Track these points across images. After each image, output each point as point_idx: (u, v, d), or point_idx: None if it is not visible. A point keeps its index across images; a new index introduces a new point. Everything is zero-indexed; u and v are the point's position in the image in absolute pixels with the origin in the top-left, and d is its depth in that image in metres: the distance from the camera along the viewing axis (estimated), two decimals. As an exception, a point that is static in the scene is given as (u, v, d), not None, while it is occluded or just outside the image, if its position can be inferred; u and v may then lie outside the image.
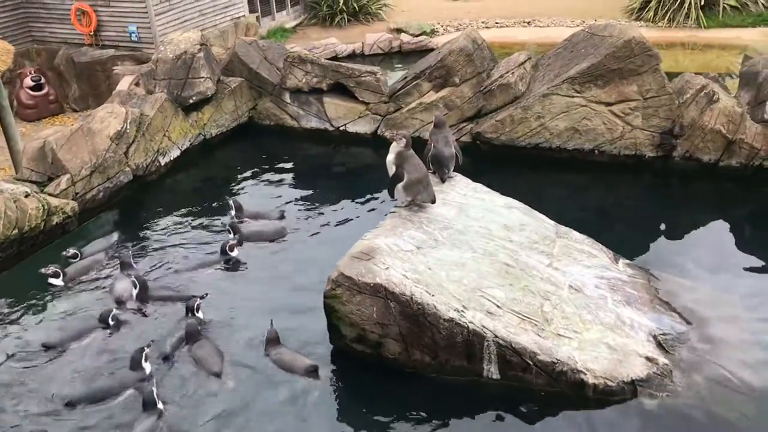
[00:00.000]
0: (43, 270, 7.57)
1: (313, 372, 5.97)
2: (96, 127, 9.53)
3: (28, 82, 13.43)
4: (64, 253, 7.93)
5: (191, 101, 11.08)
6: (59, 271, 7.55)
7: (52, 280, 7.54)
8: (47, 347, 6.52)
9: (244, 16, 18.24)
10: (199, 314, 6.71)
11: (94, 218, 9.22)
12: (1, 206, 7.84)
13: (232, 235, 8.13)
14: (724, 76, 10.37)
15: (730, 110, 9.15)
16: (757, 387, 5.55)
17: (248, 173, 10.42)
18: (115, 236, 8.56)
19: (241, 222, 8.62)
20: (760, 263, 7.39)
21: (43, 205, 8.35)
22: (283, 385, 5.92)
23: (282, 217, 8.78)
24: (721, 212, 8.55)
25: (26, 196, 8.27)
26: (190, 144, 11.04)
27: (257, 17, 18.67)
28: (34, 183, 8.93)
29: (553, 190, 9.37)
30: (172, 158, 10.63)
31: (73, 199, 8.90)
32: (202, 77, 11.12)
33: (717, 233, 8.12)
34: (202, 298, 6.83)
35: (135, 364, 6.02)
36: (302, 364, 6.03)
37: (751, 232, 8.41)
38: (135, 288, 7.12)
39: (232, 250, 7.86)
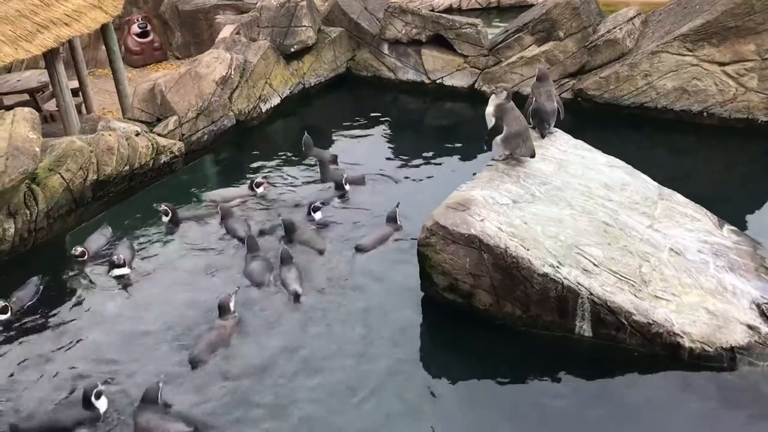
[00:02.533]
0: (156, 204, 8.00)
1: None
2: (203, 71, 9.86)
3: (134, 29, 13.90)
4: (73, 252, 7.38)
5: (292, 50, 11.27)
6: (168, 209, 7.93)
7: (163, 218, 7.95)
8: None
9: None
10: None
11: (199, 159, 9.61)
12: (114, 143, 8.28)
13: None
14: None
15: None
16: None
17: (345, 123, 10.57)
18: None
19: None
20: None
21: (152, 144, 8.77)
22: (372, 327, 6.07)
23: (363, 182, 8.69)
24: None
25: (137, 135, 8.69)
26: (290, 92, 11.26)
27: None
28: (143, 123, 9.36)
29: (657, 152, 9.06)
30: (272, 105, 10.89)
31: (179, 140, 9.29)
32: (304, 26, 11.26)
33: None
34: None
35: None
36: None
37: None
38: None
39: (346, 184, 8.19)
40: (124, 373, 5.71)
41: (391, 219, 7.54)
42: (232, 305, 6.20)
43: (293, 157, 9.44)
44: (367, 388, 5.41)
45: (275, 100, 10.94)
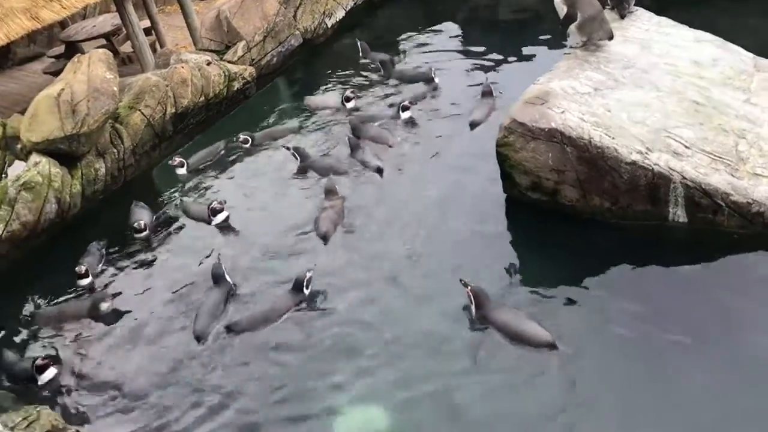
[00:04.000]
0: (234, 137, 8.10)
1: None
2: (264, -8, 9.73)
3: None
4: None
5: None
6: (248, 137, 8.00)
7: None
8: None
9: None
10: None
11: (271, 83, 9.62)
12: (187, 75, 8.38)
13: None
14: None
15: None
16: None
17: (414, 30, 10.25)
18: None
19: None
20: None
21: (224, 72, 8.82)
22: (457, 233, 6.03)
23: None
24: None
25: (208, 64, 8.76)
26: (355, 4, 10.98)
27: None
28: (213, 52, 9.40)
29: (751, 19, 8.31)
30: (337, 19, 10.68)
31: (249, 65, 9.30)
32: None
33: None
34: None
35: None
36: None
37: None
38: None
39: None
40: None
41: (487, 93, 7.70)
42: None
43: (363, 71, 9.31)
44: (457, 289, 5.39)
45: (340, 14, 10.71)
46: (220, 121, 8.86)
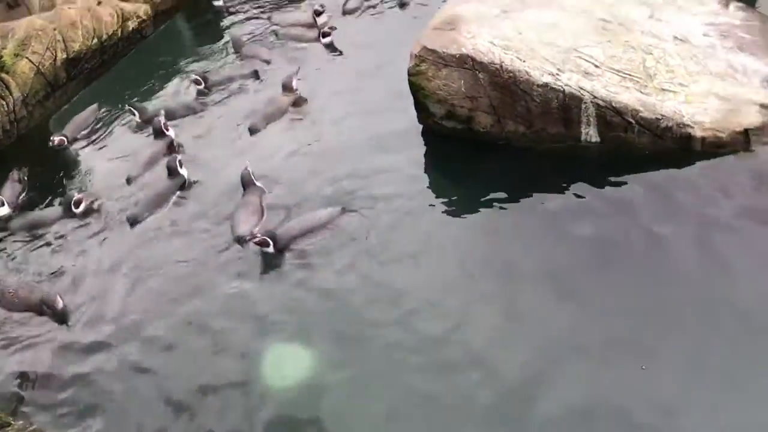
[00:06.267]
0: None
1: None
2: None
3: None
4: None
5: None
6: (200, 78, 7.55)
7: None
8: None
9: None
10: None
11: (170, 20, 9.07)
12: (76, 16, 7.80)
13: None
14: None
15: None
16: None
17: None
18: None
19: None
20: None
21: (116, 12, 8.26)
22: (373, 167, 5.92)
23: None
24: None
25: (98, 4, 8.16)
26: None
27: None
28: (104, -10, 8.75)
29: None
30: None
31: (144, 2, 8.72)
32: None
33: None
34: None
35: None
36: None
37: None
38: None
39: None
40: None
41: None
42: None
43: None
44: (381, 225, 5.35)
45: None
46: (117, 65, 8.32)
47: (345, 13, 8.25)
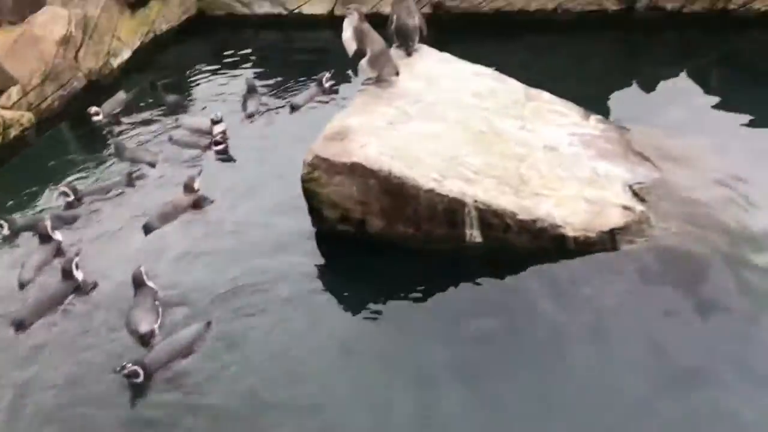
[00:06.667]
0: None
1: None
2: (39, 33, 9.08)
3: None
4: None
5: (136, -3, 10.54)
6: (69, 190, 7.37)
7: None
8: None
9: None
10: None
11: (55, 128, 8.95)
12: (-46, 125, 7.55)
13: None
14: None
15: (693, -47, 8.96)
16: (727, 222, 5.75)
17: (204, 67, 10.11)
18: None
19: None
20: (725, 107, 7.51)
21: (-3, 119, 8.07)
22: (268, 269, 5.99)
23: None
24: (687, 60, 8.60)
25: (-22, 112, 7.96)
26: (141, 42, 10.61)
27: None
28: (-16, 98, 8.57)
29: (520, 54, 9.25)
30: (124, 59, 10.26)
31: (27, 110, 8.59)
32: (144, -31, 10.52)
33: (683, 81, 8.19)
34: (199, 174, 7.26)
35: None
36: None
37: (717, 76, 8.48)
38: None
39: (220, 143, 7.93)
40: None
41: (319, 82, 8.70)
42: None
43: (152, 110, 8.98)
44: (271, 317, 5.38)
45: (126, 54, 10.29)
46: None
47: (246, 117, 8.48)
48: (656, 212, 5.82)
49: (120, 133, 8.66)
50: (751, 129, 7.10)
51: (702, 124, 7.16)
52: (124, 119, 8.93)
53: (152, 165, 7.75)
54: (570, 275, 5.53)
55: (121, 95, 9.14)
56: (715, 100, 7.69)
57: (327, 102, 8.59)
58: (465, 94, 6.74)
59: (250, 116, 8.49)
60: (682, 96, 7.81)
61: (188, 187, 7.01)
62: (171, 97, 9.12)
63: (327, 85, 8.82)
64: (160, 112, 8.97)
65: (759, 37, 9.04)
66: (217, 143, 7.83)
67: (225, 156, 7.82)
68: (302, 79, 9.38)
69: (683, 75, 8.32)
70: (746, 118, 7.27)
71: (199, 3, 11.49)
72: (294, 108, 8.58)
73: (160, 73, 10.18)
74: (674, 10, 9.30)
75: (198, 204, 6.95)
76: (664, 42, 9.19)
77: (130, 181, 7.44)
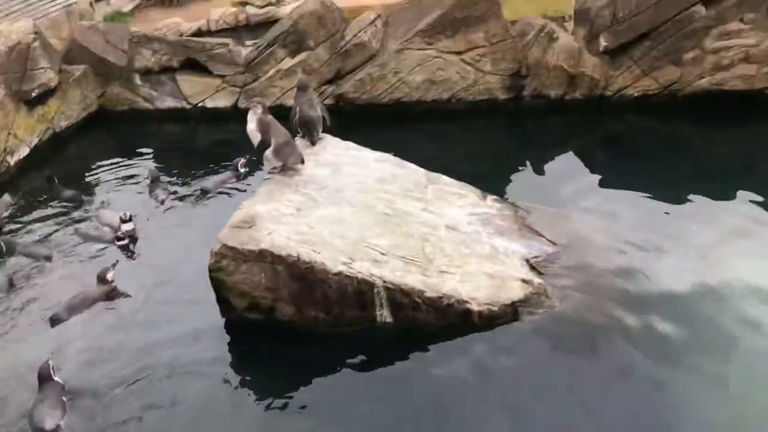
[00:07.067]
0: None
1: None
2: (-71, 131, 8.78)
3: None
4: None
5: (34, 94, 10.41)
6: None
7: None
8: None
9: (75, 2, 17.08)
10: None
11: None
12: None
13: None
14: (562, 20, 11.11)
15: (570, 46, 9.83)
16: (620, 289, 6.15)
17: (106, 163, 10.00)
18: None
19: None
20: (608, 182, 8.14)
21: None
22: (176, 363, 5.86)
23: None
24: (572, 142, 9.30)
25: None
26: (39, 140, 10.43)
27: (90, 3, 17.51)
28: None
29: (420, 141, 9.73)
30: (21, 156, 10.03)
31: None
32: (42, 68, 10.46)
33: (569, 161, 8.83)
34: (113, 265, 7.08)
35: None
36: None
37: (599, 155, 9.21)
38: None
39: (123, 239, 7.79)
40: None
41: (234, 167, 8.86)
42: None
43: (50, 209, 8.78)
44: (182, 408, 5.25)
45: (24, 151, 10.07)
46: None
47: (159, 204, 8.51)
48: (553, 284, 6.15)
49: (11, 232, 8.37)
50: (633, 202, 7.68)
51: (588, 200, 7.71)
52: (21, 217, 8.65)
53: (48, 259, 7.56)
54: (477, 349, 5.70)
55: (6, 198, 8.88)
56: (598, 177, 8.36)
57: (241, 189, 8.64)
58: (369, 179, 7.00)
59: (162, 203, 8.51)
60: (568, 175, 8.41)
61: (102, 279, 6.86)
62: (67, 192, 8.96)
63: (242, 170, 8.93)
64: (57, 207, 8.77)
65: (634, 120, 9.91)
66: (119, 239, 7.70)
67: (129, 252, 7.69)
68: (212, 166, 9.45)
69: (569, 155, 8.99)
70: (628, 192, 7.89)
71: (99, 99, 11.47)
72: (204, 192, 8.67)
73: (58, 168, 9.98)
74: (557, 97, 10.09)
75: (112, 296, 6.80)
76: (549, 126, 9.91)
77: (11, 284, 7.18)
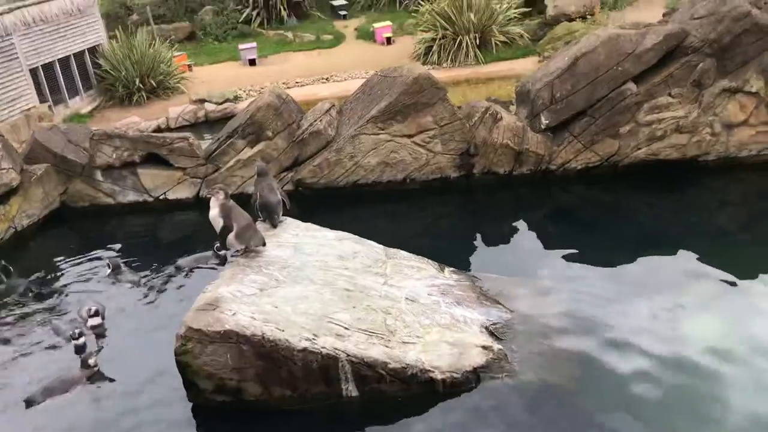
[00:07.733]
0: None
1: None
2: None
3: None
4: None
5: (-5, 194, 10.53)
6: None
7: None
8: None
9: (34, 106, 17.38)
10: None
11: None
12: None
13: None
14: (509, 103, 11.82)
15: (513, 125, 10.42)
16: (576, 350, 6.41)
17: (68, 260, 10.03)
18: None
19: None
20: (558, 250, 8.50)
21: None
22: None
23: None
24: (521, 214, 9.75)
25: None
26: (1, 239, 10.45)
27: (49, 106, 17.85)
28: None
29: (377, 220, 10.06)
30: (-18, 256, 10.00)
31: None
32: (4, 168, 10.63)
33: (521, 232, 9.23)
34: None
35: None
36: None
37: (549, 225, 9.65)
38: None
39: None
40: None
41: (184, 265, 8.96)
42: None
43: (11, 309, 8.78)
44: None
45: (-16, 250, 10.08)
46: None
47: (133, 285, 8.77)
48: (512, 349, 6.38)
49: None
50: (583, 267, 8.05)
51: (541, 267, 8.05)
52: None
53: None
54: (442, 419, 5.84)
55: None
56: (549, 246, 8.74)
57: (214, 269, 8.76)
58: (330, 258, 7.25)
59: (137, 284, 8.77)
60: (521, 245, 8.81)
61: (84, 363, 6.96)
62: (19, 281, 9.09)
63: (222, 253, 8.87)
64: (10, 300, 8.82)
65: (579, 191, 10.43)
66: (72, 337, 7.53)
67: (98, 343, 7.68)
68: (175, 254, 9.55)
69: (520, 226, 9.40)
70: (577, 258, 8.27)
71: (61, 196, 11.61)
72: (178, 269, 8.93)
73: (20, 265, 9.99)
74: (506, 173, 10.60)
75: (94, 379, 6.87)
76: (500, 200, 10.37)
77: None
